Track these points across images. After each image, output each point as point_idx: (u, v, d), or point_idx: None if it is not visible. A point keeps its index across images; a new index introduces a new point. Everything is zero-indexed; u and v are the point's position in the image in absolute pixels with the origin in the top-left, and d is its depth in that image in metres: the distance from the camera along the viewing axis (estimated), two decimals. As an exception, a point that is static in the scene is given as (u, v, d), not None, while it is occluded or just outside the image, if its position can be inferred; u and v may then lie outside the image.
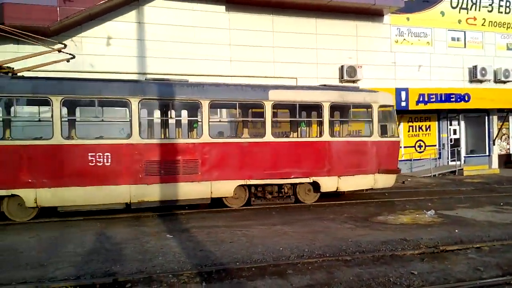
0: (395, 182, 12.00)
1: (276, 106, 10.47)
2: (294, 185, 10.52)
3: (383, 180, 11.09)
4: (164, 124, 11.12)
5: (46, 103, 8.90)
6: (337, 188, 10.62)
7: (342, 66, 16.40)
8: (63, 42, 10.75)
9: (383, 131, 11.47)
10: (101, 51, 13.99)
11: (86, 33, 13.92)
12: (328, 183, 10.49)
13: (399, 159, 13.68)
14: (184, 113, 11.39)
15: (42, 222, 8.56)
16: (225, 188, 9.80)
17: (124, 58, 14.18)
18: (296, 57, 15.95)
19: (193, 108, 10.45)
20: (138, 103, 9.15)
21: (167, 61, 14.52)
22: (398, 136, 11.85)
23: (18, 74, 9.68)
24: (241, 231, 7.62)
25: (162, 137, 10.87)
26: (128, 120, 9.18)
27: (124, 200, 9.12)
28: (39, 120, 9.83)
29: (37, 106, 10.13)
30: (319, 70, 16.34)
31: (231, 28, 15.38)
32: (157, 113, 11.22)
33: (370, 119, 10.97)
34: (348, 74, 16.23)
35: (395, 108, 11.93)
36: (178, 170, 9.38)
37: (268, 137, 10.05)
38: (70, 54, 10.43)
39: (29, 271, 5.41)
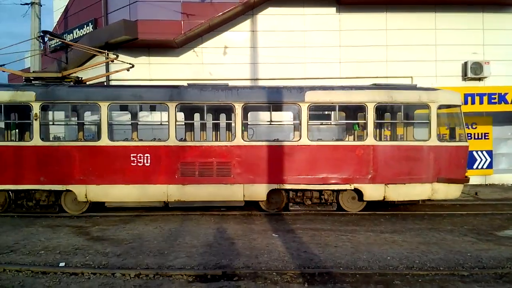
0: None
1: (313, 108, 9.94)
2: (336, 192, 9.91)
3: (443, 190, 9.74)
4: (201, 127, 11.26)
5: (96, 108, 9.75)
6: (384, 197, 9.66)
7: (465, 63, 14.83)
8: (118, 58, 11.67)
9: (445, 134, 10.28)
10: (218, 59, 15.07)
11: (206, 44, 15.13)
12: (372, 191, 9.62)
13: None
14: (221, 116, 11.44)
15: (165, 215, 9.56)
16: (257, 191, 9.65)
17: (239, 65, 15.03)
18: (411, 55, 14.95)
19: (229, 111, 10.28)
20: (175, 107, 9.56)
21: (278, 66, 14.97)
22: (466, 140, 10.09)
23: (88, 83, 10.99)
24: (347, 236, 7.48)
25: (198, 139, 11.08)
26: (166, 123, 9.61)
27: (162, 199, 9.62)
28: (88, 124, 11.08)
29: (89, 111, 11.21)
30: (438, 68, 15.04)
31: (342, 29, 15.13)
32: (193, 117, 11.30)
33: (427, 121, 9.77)
34: (473, 71, 14.61)
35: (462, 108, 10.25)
36: (211, 172, 9.53)
37: (304, 140, 9.59)
38: (129, 63, 11.46)
39: (152, 258, 6.14)
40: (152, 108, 10.83)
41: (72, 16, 17.25)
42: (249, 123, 10.61)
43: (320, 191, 9.88)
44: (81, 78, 11.07)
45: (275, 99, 9.78)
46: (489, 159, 14.93)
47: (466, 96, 13.98)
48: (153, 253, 6.39)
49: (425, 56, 15.01)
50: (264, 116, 10.46)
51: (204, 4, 13.88)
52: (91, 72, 12.52)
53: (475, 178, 14.99)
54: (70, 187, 9.52)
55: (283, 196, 9.95)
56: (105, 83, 14.48)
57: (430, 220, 9.06)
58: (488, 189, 13.81)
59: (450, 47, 15.04)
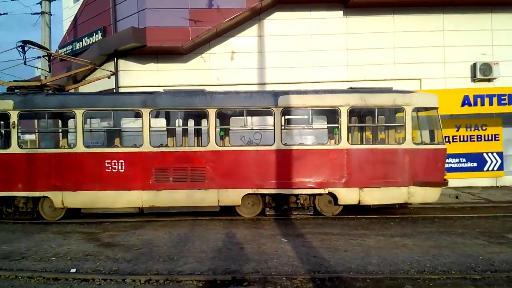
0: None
1: (287, 112, 9.95)
2: (312, 196, 9.82)
3: (420, 193, 9.61)
4: (175, 133, 11.26)
5: (72, 116, 9.90)
6: (359, 201, 9.56)
7: (474, 64, 14.70)
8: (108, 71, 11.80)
9: (421, 137, 10.15)
10: (226, 65, 15.15)
11: (213, 50, 15.23)
12: (346, 195, 9.55)
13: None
14: (194, 121, 11.50)
15: (174, 220, 9.60)
16: (232, 196, 9.63)
17: (246, 70, 15.09)
18: (419, 57, 14.88)
19: (204, 117, 10.23)
20: (149, 113, 9.61)
21: (286, 70, 15.00)
22: (443, 143, 9.91)
23: (70, 91, 11.22)
24: (357, 240, 7.43)
25: (172, 145, 11.00)
26: (140, 129, 9.66)
27: (137, 205, 9.67)
28: (66, 132, 11.04)
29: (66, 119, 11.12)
30: (447, 70, 14.93)
31: (349, 33, 15.13)
32: (168, 122, 11.34)
33: (402, 124, 9.66)
34: (482, 72, 14.47)
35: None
36: (186, 177, 9.54)
37: (278, 145, 9.56)
38: (110, 71, 11.83)
39: (161, 264, 6.17)
40: (128, 115, 10.86)
41: (81, 24, 17.49)
42: (223, 128, 10.54)
43: (296, 196, 9.83)
44: (63, 86, 11.26)
45: (249, 104, 9.79)
46: (499, 161, 14.74)
47: (475, 97, 13.85)
48: (163, 259, 6.42)
49: (433, 58, 14.93)
50: (241, 121, 10.41)
51: (211, 10, 13.99)
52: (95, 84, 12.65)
53: (485, 180, 14.85)
54: (47, 193, 9.68)
55: (259, 201, 9.90)
56: (114, 90, 14.65)
57: (440, 223, 8.96)
58: (500, 191, 13.62)
59: (459, 48, 14.94)
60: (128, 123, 11.57)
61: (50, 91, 10.51)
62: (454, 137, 14.80)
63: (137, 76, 14.99)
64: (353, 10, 14.97)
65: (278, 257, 6.37)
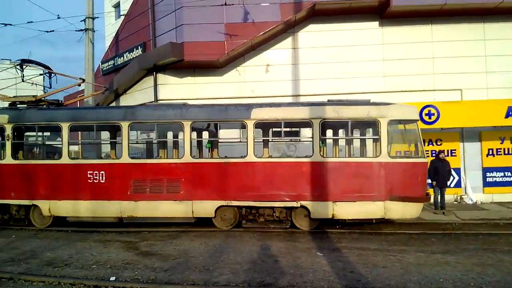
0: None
1: (260, 125, 9.88)
2: (288, 209, 9.62)
3: (398, 209, 9.16)
4: (153, 145, 11.35)
5: (58, 129, 10.31)
6: (333, 215, 9.28)
7: (518, 73, 14.07)
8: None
9: (398, 150, 9.76)
10: (260, 77, 15.30)
11: (248, 62, 15.44)
12: (319, 209, 9.29)
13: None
14: (170, 134, 11.59)
15: (209, 231, 9.69)
16: (206, 208, 9.66)
17: (280, 82, 15.17)
18: (460, 67, 14.40)
19: (180, 129, 10.22)
20: (128, 126, 9.92)
21: (320, 82, 14.95)
22: (423, 157, 9.46)
23: (67, 105, 11.74)
24: (396, 256, 7.21)
25: (149, 157, 11.06)
26: (120, 142, 10.01)
27: (117, 215, 9.92)
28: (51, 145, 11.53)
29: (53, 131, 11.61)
30: (489, 80, 14.35)
31: (385, 43, 14.91)
32: (146, 135, 11.47)
33: (377, 137, 9.32)
34: (527, 81, 13.82)
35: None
36: (162, 189, 9.68)
37: (250, 157, 9.48)
38: (104, 87, 12.66)
39: (197, 274, 6.24)
40: (108, 128, 11.15)
41: (122, 40, 18.27)
42: (197, 140, 10.80)
43: (272, 208, 9.69)
44: (61, 101, 11.89)
45: (222, 117, 9.87)
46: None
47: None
48: (198, 269, 6.49)
49: (475, 68, 14.41)
50: (219, 134, 10.50)
51: (246, 24, 14.21)
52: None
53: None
54: (36, 202, 10.23)
55: (235, 212, 9.85)
56: (153, 103, 15.11)
57: (484, 240, 8.55)
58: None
59: (501, 58, 14.36)
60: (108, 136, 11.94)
61: (44, 106, 11.20)
62: (498, 150, 14.15)
63: (175, 89, 15.41)
64: (390, 20, 14.75)
65: (313, 271, 6.29)
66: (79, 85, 12.35)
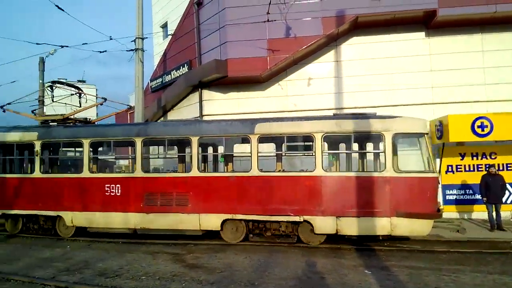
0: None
1: (264, 139, 9.91)
2: (295, 224, 9.55)
3: (406, 225, 8.75)
4: (164, 159, 11.53)
5: (80, 144, 11.03)
6: (336, 230, 9.08)
7: None
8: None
9: (404, 164, 9.34)
10: (302, 91, 15.33)
11: (290, 77, 15.54)
12: (323, 224, 9.14)
13: None
14: (182, 149, 11.69)
15: (253, 245, 9.70)
16: (212, 221, 9.82)
17: (323, 95, 15.11)
18: (514, 76, 13.69)
19: (188, 144, 10.42)
20: (141, 141, 10.38)
21: (364, 95, 14.74)
22: (433, 171, 8.95)
23: (96, 123, 12.60)
24: (449, 276, 6.86)
25: (161, 171, 11.19)
26: (134, 156, 10.45)
27: (131, 226, 10.31)
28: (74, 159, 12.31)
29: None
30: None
31: (432, 54, 14.47)
32: (158, 150, 11.83)
33: (381, 151, 9.06)
34: None
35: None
36: (171, 202, 10.00)
37: (255, 171, 9.55)
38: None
39: (244, 288, 6.27)
40: (125, 143, 11.60)
41: (170, 58, 19.03)
42: (205, 154, 11.22)
43: (278, 223, 9.65)
44: (89, 118, 12.95)
45: (227, 131, 10.07)
46: None
47: None
48: (244, 283, 6.51)
49: (531, 77, 13.62)
50: (224, 148, 10.81)
51: (288, 39, 14.35)
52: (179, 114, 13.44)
53: None
54: (60, 213, 10.93)
55: (243, 226, 9.89)
56: (198, 119, 15.54)
57: (549, 262, 7.92)
58: None
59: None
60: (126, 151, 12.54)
61: (71, 124, 12.06)
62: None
63: (219, 104, 15.79)
64: (436, 30, 14.34)
65: (361, 289, 6.12)
66: (101, 104, 13.27)
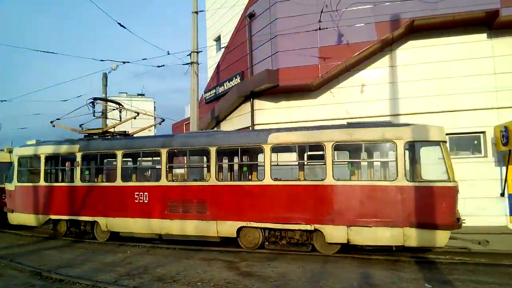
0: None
1: (276, 149, 10.05)
2: (309, 233, 9.61)
3: (420, 236, 8.43)
4: (186, 169, 12.21)
5: (114, 155, 11.83)
6: (348, 240, 8.99)
7: None
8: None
9: (418, 173, 8.95)
10: (355, 98, 15.07)
11: (342, 84, 15.35)
12: (333, 233, 9.11)
13: None
14: (202, 158, 12.30)
15: (306, 255, 9.60)
16: (228, 228, 10.16)
17: (376, 102, 14.75)
18: None
19: (208, 154, 10.76)
20: (166, 152, 11.01)
21: (420, 100, 14.21)
22: (449, 180, 8.53)
23: (134, 135, 13.24)
24: (520, 293, 6.35)
25: (183, 179, 12.12)
26: (159, 166, 11.11)
27: (157, 231, 10.99)
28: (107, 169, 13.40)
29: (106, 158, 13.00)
30: None
31: (495, 55, 13.61)
32: (182, 160, 12.39)
33: (393, 159, 8.86)
34: None
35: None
36: (192, 209, 10.51)
37: (268, 180, 9.75)
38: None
39: (298, 297, 6.21)
40: (152, 154, 12.11)
41: (223, 70, 19.58)
42: (222, 164, 11.34)
43: (292, 231, 9.77)
44: (127, 132, 13.75)
45: (242, 142, 10.48)
46: None
47: None
48: (297, 293, 6.46)
49: None
50: (240, 158, 11.19)
51: (340, 46, 14.22)
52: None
53: None
54: (97, 218, 11.90)
55: (259, 234, 10.10)
56: (250, 128, 15.77)
57: None
58: None
59: None
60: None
61: (109, 136, 12.94)
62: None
63: (270, 113, 15.94)
64: (500, 31, 13.51)
65: (421, 304, 5.83)
66: (135, 118, 14.03)
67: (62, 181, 13.23)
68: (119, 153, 11.73)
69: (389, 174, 9.71)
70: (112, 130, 13.64)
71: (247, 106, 16.64)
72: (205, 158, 12.10)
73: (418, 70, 14.42)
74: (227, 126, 18.34)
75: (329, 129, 9.73)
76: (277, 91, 15.49)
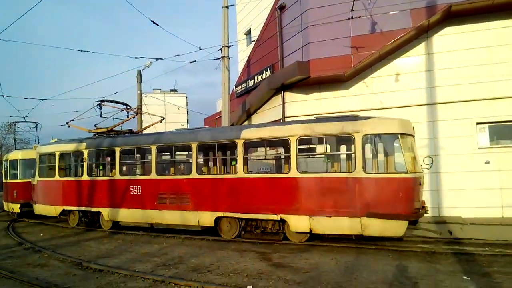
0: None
1: (248, 144, 10.70)
2: (281, 222, 10.14)
3: (377, 226, 8.74)
4: (173, 163, 13.21)
5: (113, 152, 12.89)
6: (310, 229, 9.52)
7: None
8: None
9: (375, 165, 9.58)
10: (389, 87, 14.65)
11: (375, 73, 14.96)
12: (297, 222, 9.67)
13: None
14: (185, 153, 13.11)
15: (339, 247, 9.52)
16: (207, 218, 10.93)
17: (412, 91, 14.29)
18: None
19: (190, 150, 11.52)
20: (155, 148, 11.97)
21: (458, 88, 13.66)
22: (407, 172, 8.79)
23: (142, 132, 14.29)
24: None
25: (170, 173, 12.88)
26: (150, 161, 12.13)
27: (149, 221, 12.02)
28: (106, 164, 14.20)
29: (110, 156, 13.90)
30: None
31: (541, 39, 12.84)
32: (168, 155, 13.34)
33: (352, 152, 9.22)
34: None
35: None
36: (177, 201, 11.34)
37: (241, 173, 10.45)
38: (162, 117, 15.17)
39: (331, 289, 6.18)
40: (145, 150, 13.05)
41: (253, 64, 19.58)
42: (204, 158, 12.66)
43: (266, 221, 10.33)
44: (134, 129, 14.82)
45: (220, 138, 11.20)
46: None
47: None
48: (331, 285, 6.43)
49: None
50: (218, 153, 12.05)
51: (373, 35, 13.87)
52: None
53: None
54: (100, 209, 13.11)
55: (236, 224, 10.73)
56: (281, 121, 15.70)
57: None
58: None
59: None
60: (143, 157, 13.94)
61: (113, 134, 14.09)
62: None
63: (301, 106, 15.80)
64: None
65: (459, 297, 5.66)
66: (134, 117, 15.03)
67: (73, 175, 14.45)
68: (117, 150, 12.85)
69: (349, 167, 10.26)
70: (118, 128, 14.72)
71: (278, 99, 16.57)
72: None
73: (456, 57, 13.83)
74: (258, 119, 18.38)
75: (294, 124, 10.34)
76: (308, 83, 15.32)
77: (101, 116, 14.71)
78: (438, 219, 12.96)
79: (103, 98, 15.02)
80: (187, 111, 70.38)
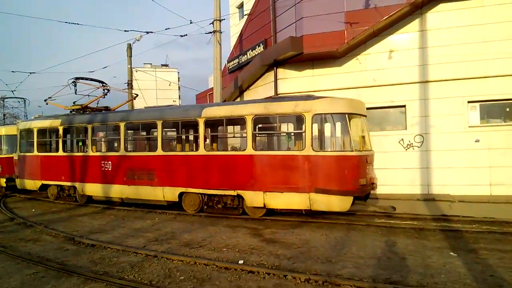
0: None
1: (209, 122, 11.03)
2: (240, 198, 10.51)
3: (324, 201, 9.22)
4: (141, 140, 14.05)
5: (86, 129, 13.35)
6: (264, 204, 9.97)
7: None
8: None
9: (323, 144, 10.07)
10: (383, 64, 14.55)
11: (369, 50, 14.81)
12: (253, 198, 10.11)
13: None
14: (150, 131, 13.50)
15: (330, 223, 9.69)
16: (171, 193, 11.41)
17: (405, 68, 14.21)
18: None
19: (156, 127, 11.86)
20: (124, 125, 12.27)
21: (452, 66, 13.61)
22: (352, 150, 9.24)
23: (116, 110, 14.50)
24: (550, 263, 6.21)
25: (138, 150, 13.49)
26: (119, 138, 12.45)
27: (119, 196, 12.48)
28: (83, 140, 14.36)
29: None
30: None
31: (534, 17, 12.76)
32: (137, 132, 14.00)
33: (302, 131, 9.60)
34: None
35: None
36: (144, 176, 11.79)
37: (201, 151, 10.85)
38: (135, 94, 16.44)
39: (320, 265, 6.31)
40: (115, 127, 13.16)
41: (246, 39, 19.26)
42: (170, 136, 13.23)
43: (225, 196, 10.77)
44: (109, 107, 15.15)
45: (182, 116, 11.62)
46: None
47: None
48: (321, 260, 6.55)
49: None
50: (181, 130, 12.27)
51: (368, 10, 13.66)
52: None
53: None
54: (75, 184, 13.61)
55: (199, 199, 11.20)
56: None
57: None
58: None
59: None
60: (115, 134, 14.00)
61: (88, 112, 14.42)
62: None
63: (294, 82, 15.68)
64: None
65: (446, 272, 5.81)
66: (106, 94, 15.23)
67: (50, 151, 14.94)
68: (89, 127, 13.25)
69: (300, 145, 10.45)
70: (95, 105, 15.05)
71: (270, 75, 16.40)
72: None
73: (449, 34, 13.72)
74: (250, 95, 18.23)
75: (251, 103, 10.66)
76: (301, 59, 15.15)
77: (75, 94, 14.83)
78: (427, 196, 13.16)
79: (78, 76, 14.96)
80: (179, 87, 69.38)
